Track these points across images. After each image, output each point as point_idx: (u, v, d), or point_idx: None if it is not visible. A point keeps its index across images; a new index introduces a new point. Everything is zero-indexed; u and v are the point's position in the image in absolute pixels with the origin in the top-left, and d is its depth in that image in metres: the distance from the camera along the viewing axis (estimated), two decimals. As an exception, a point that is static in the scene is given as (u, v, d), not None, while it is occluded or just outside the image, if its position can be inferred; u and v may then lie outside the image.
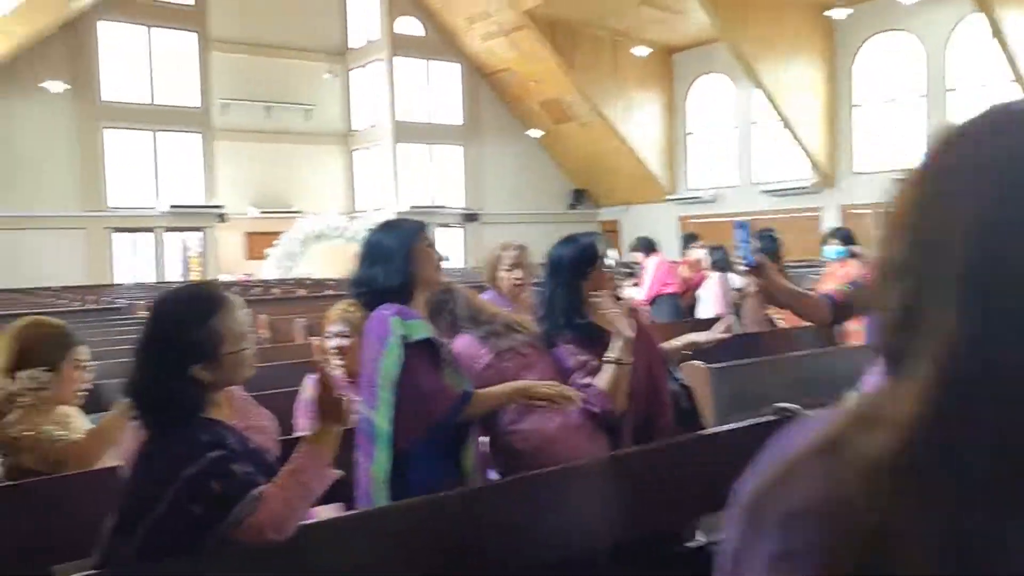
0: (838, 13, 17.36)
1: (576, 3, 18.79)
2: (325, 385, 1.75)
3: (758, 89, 18.38)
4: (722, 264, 6.89)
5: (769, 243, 6.40)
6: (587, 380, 2.51)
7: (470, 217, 24.11)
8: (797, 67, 18.44)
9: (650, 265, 7.86)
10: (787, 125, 18.56)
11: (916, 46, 17.96)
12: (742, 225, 2.75)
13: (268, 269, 20.95)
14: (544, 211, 23.78)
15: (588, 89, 20.79)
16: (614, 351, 2.47)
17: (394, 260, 2.24)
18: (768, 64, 17.81)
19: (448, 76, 23.90)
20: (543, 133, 23.49)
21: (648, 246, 8.02)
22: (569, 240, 2.67)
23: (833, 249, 6.00)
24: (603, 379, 2.49)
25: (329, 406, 1.74)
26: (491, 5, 20.35)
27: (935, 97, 17.78)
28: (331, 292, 12.22)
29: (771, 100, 18.11)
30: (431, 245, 2.33)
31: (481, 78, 23.83)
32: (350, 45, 24.22)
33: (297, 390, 3.21)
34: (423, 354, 2.19)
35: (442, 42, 23.19)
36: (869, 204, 18.70)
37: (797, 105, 18.44)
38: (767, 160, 20.98)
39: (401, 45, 22.95)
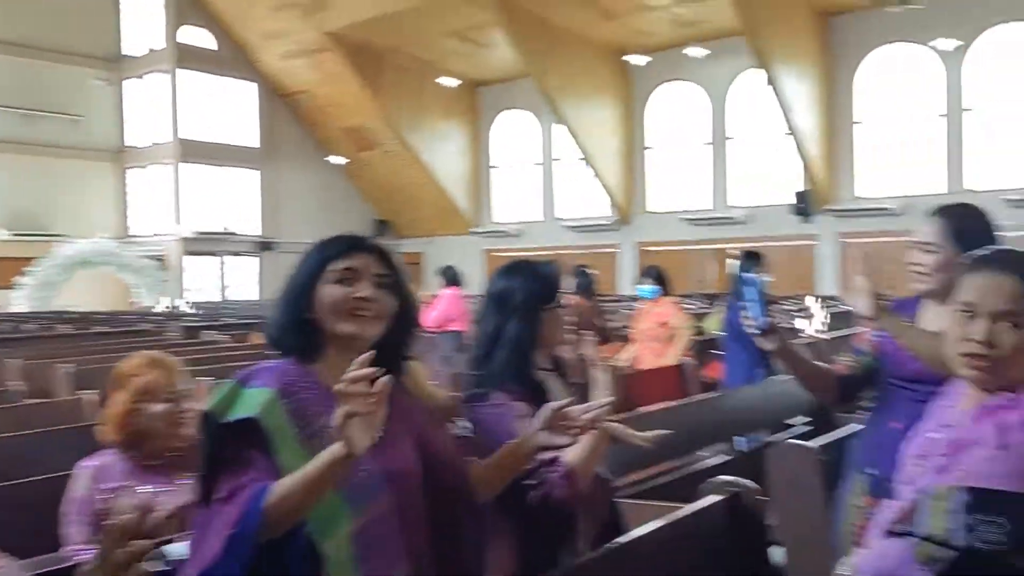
0: (636, 59, 18.12)
1: (382, 29, 18.24)
2: None
3: (561, 126, 18.75)
4: (586, 288, 6.58)
5: (583, 279, 6.39)
6: (548, 454, 1.87)
7: (265, 245, 22.62)
8: (598, 107, 19.02)
9: (444, 296, 7.68)
10: (588, 162, 19.04)
11: (702, 96, 19.11)
12: (752, 282, 2.24)
13: (19, 301, 18.24)
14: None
15: (393, 117, 20.23)
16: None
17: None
18: (571, 102, 18.21)
19: (242, 95, 22.40)
20: (346, 160, 22.58)
21: (452, 278, 7.79)
22: (518, 269, 2.09)
23: (648, 288, 6.00)
24: (578, 453, 1.87)
25: None
26: (292, 24, 19.30)
27: (717, 144, 18.95)
28: (102, 329, 10.66)
29: (573, 137, 18.51)
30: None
31: (279, 99, 22.56)
32: (126, 52, 22.06)
33: (65, 477, 2.32)
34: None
35: (235, 58, 21.71)
36: (661, 242, 19.62)
37: (597, 144, 18.99)
38: (569, 196, 21.42)
39: (188, 57, 21.22)
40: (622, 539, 2.04)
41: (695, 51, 17.15)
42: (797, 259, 17.88)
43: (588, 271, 6.54)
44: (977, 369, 1.45)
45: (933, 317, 2.19)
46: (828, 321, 6.85)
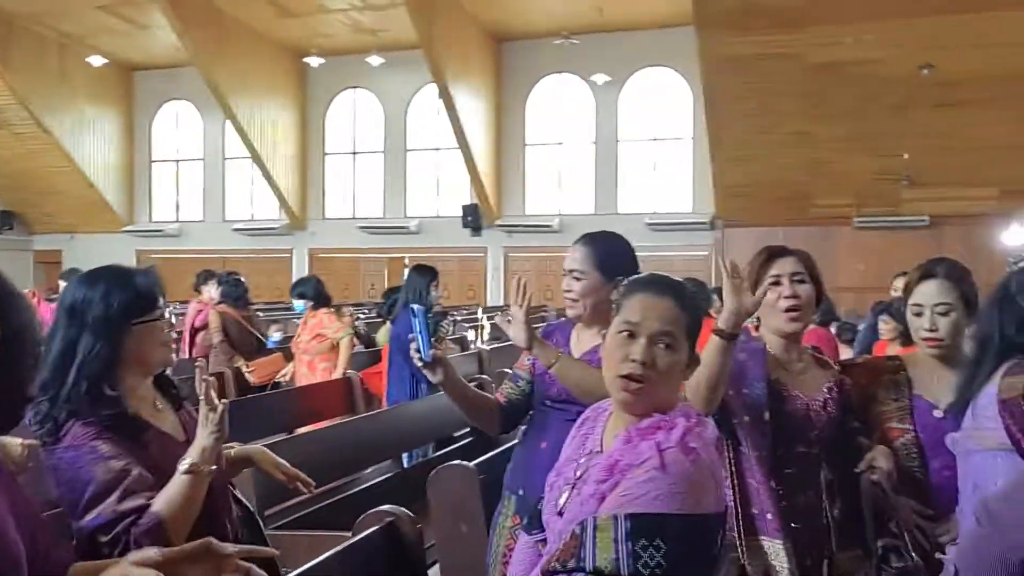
0: (314, 61, 17.64)
1: (16, -9, 15.74)
2: None
3: (230, 123, 17.64)
4: (237, 297, 6.11)
5: (233, 288, 6.20)
6: (132, 504, 1.57)
7: None
8: (273, 107, 18.21)
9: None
10: (260, 164, 18.13)
11: (381, 105, 19.18)
12: (418, 313, 2.13)
13: None
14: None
15: (27, 94, 17.51)
16: (193, 452, 1.66)
17: None
18: (242, 98, 17.21)
19: None
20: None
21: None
22: (100, 276, 1.75)
23: (299, 304, 5.88)
24: (169, 499, 1.61)
25: None
26: None
27: (394, 154, 19.13)
28: None
29: (244, 136, 17.50)
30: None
31: None
32: None
33: None
34: None
35: None
36: (336, 249, 19.32)
37: (271, 145, 18.17)
38: (239, 198, 20.25)
39: None
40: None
41: (375, 59, 17.12)
42: (469, 270, 18.63)
43: (239, 278, 6.23)
44: (629, 392, 1.47)
45: (585, 340, 2.28)
46: (493, 332, 7.08)
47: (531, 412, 2.36)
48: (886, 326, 5.09)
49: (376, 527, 2.14)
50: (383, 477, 3.91)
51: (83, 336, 1.67)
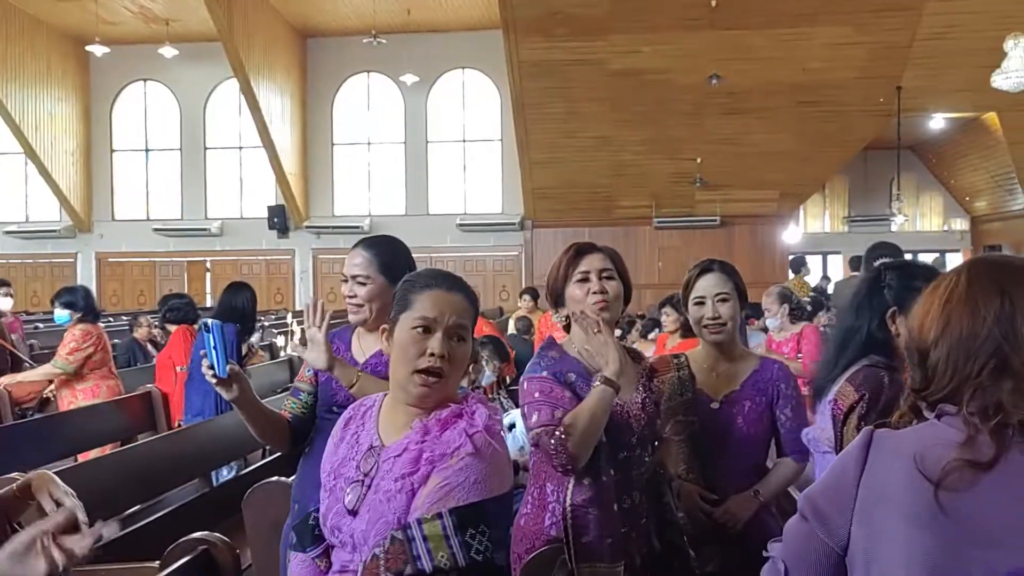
0: (97, 49, 16.25)
1: None
2: None
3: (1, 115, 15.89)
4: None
5: None
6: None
7: None
8: (50, 98, 16.62)
9: None
10: (36, 160, 16.47)
11: (176, 100, 18.01)
12: (213, 328, 2.00)
13: None
14: None
15: None
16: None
17: None
18: (13, 88, 15.57)
19: None
20: None
21: None
22: None
23: (62, 314, 5.29)
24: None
25: None
26: None
27: (191, 153, 18.04)
28: None
29: (16, 129, 15.83)
30: None
31: None
32: None
33: None
34: None
35: None
36: (128, 252, 17.94)
37: (49, 140, 16.57)
38: (11, 196, 18.28)
39: None
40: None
41: (168, 51, 16.02)
42: (276, 274, 17.92)
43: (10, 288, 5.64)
44: (428, 387, 1.51)
45: (368, 344, 2.30)
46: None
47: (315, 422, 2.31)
48: (668, 318, 5.37)
49: (189, 556, 1.95)
50: (189, 499, 3.64)
51: None
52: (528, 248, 16.70)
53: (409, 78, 16.61)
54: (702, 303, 2.41)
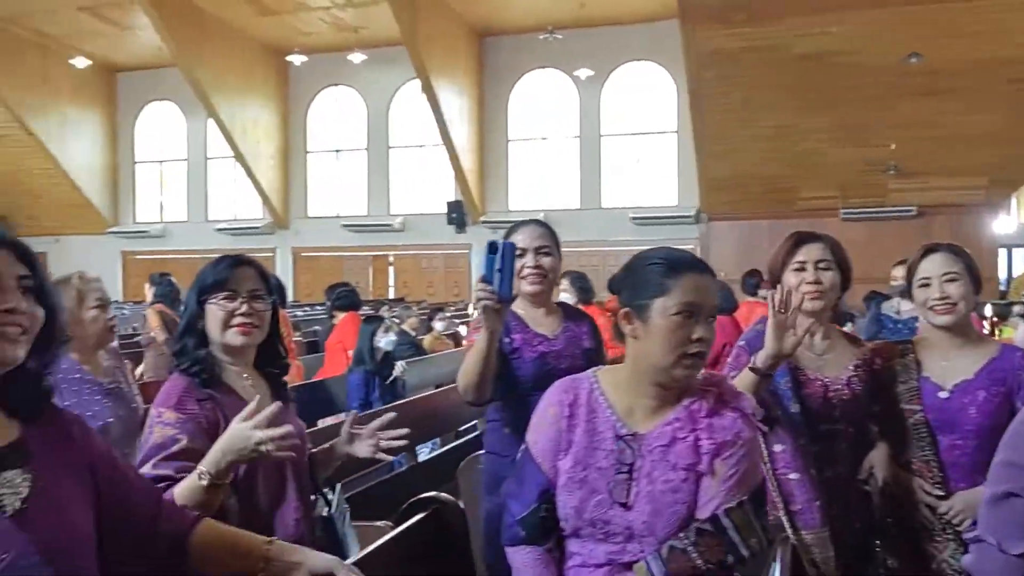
0: (296, 59, 17.55)
1: (-7, -8, 15.53)
2: None
3: (213, 122, 17.51)
4: (171, 297, 6.08)
5: (166, 287, 6.18)
6: (160, 471, 1.71)
7: None
8: (254, 106, 18.11)
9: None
10: (243, 163, 18.02)
11: (363, 102, 19.10)
12: (497, 248, 1.91)
13: None
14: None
15: (9, 96, 17.32)
16: (209, 460, 1.62)
17: None
18: (224, 97, 17.10)
19: None
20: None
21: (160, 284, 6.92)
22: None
23: None
24: (182, 489, 1.67)
25: None
26: None
27: (377, 151, 19.05)
28: None
29: (227, 136, 17.39)
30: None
31: None
32: None
33: None
34: None
35: None
36: (319, 247, 19.25)
37: (253, 144, 18.06)
38: (222, 197, 20.12)
39: None
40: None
41: (357, 56, 17.06)
42: (453, 267, 18.62)
43: (171, 279, 6.29)
44: (695, 370, 1.54)
45: (537, 317, 2.42)
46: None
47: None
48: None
49: (422, 514, 2.16)
50: (399, 470, 3.95)
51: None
52: (704, 241, 16.41)
53: (583, 72, 16.73)
54: (927, 284, 2.27)
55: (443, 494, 2.25)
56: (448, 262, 18.61)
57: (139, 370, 6.01)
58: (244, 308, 1.84)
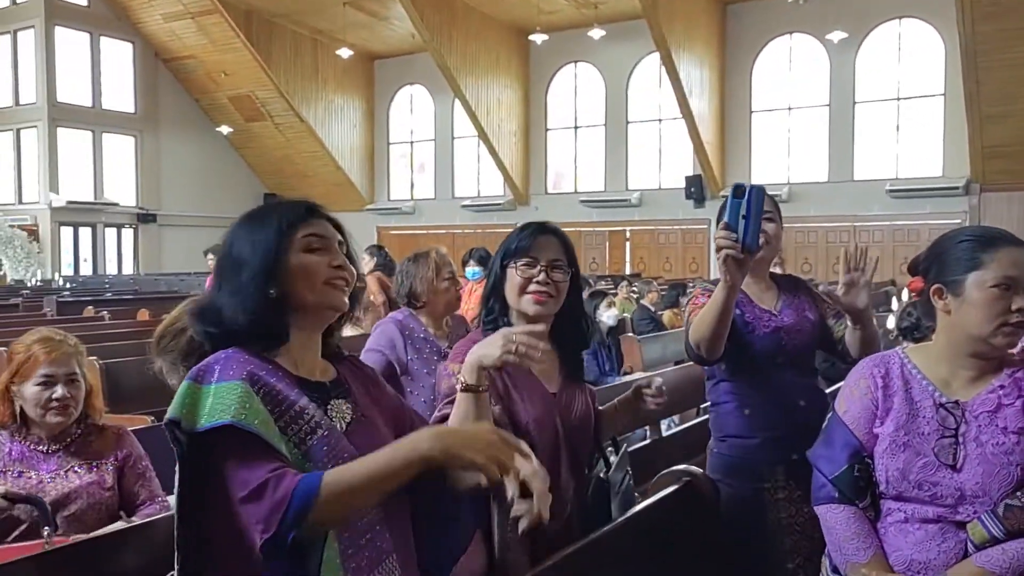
0: (537, 37, 17.98)
1: (274, -7, 17.39)
2: None
3: (459, 103, 18.43)
4: (387, 267, 6.45)
5: (383, 258, 6.42)
6: None
7: (144, 217, 21.35)
8: (497, 86, 18.79)
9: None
10: (486, 142, 18.81)
11: (602, 78, 19.17)
12: (744, 193, 1.81)
13: None
14: (231, 215, 21.21)
15: (285, 87, 19.40)
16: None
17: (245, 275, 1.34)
18: (470, 79, 17.92)
19: (119, 56, 20.92)
20: (231, 130, 21.50)
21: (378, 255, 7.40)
22: None
23: (471, 271, 5.96)
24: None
25: None
26: (175, -18, 18.16)
27: (615, 127, 19.05)
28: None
29: (472, 116, 18.23)
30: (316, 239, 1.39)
31: (162, 63, 21.23)
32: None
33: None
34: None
35: (111, 15, 20.26)
36: (561, 223, 19.60)
37: (496, 123, 18.78)
38: (467, 175, 21.17)
39: (58, 12, 19.65)
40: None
41: (596, 32, 17.15)
42: (691, 243, 18.29)
43: (385, 250, 6.60)
44: (1017, 338, 1.60)
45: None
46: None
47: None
48: None
49: (675, 485, 2.19)
50: (646, 442, 3.99)
51: None
52: (973, 215, 14.81)
53: (837, 35, 15.65)
54: None
55: (694, 467, 2.27)
56: (686, 237, 18.31)
57: (356, 331, 6.55)
58: (542, 276, 1.83)
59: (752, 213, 1.82)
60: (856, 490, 1.68)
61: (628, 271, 17.54)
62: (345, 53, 19.18)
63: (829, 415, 1.80)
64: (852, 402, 1.73)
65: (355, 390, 1.41)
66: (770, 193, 2.15)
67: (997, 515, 1.54)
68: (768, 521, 2.23)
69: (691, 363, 4.46)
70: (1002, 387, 1.62)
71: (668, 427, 4.68)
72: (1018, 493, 1.55)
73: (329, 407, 1.33)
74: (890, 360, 1.73)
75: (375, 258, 6.49)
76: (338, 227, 1.43)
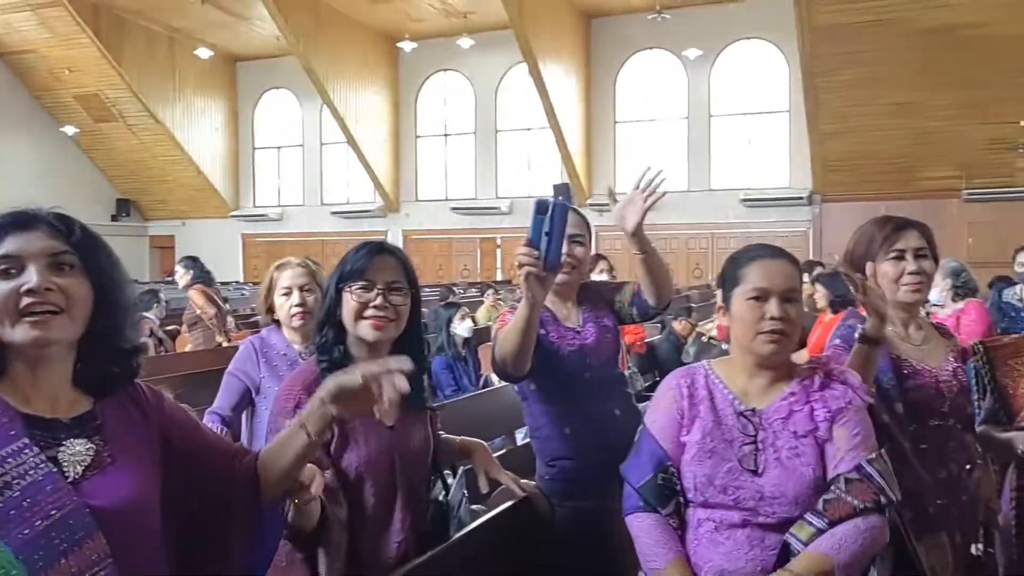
0: (406, 45, 17.91)
1: (126, -11, 16.51)
2: None
3: (327, 109, 18.12)
4: (208, 279, 6.25)
5: (199, 270, 6.31)
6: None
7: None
8: (366, 92, 18.59)
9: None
10: (355, 148, 18.57)
11: (471, 87, 19.31)
12: (546, 208, 1.81)
13: None
14: (79, 219, 20.32)
15: (139, 87, 18.43)
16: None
17: None
18: (338, 84, 17.65)
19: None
20: (78, 130, 20.21)
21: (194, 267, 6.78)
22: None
23: None
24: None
25: None
26: (11, -29, 16.91)
27: (484, 135, 19.24)
28: None
29: (340, 122, 17.96)
30: None
31: (-2, 58, 19.75)
32: None
33: None
34: None
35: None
36: (429, 230, 19.66)
37: (366, 129, 18.57)
38: (335, 181, 20.82)
39: None
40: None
41: (465, 41, 17.27)
42: (559, 250, 18.62)
43: (199, 260, 6.37)
44: (778, 344, 1.71)
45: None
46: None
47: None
48: (818, 293, 4.85)
49: (510, 502, 2.18)
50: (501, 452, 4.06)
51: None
52: (816, 224, 15.87)
53: (693, 52, 16.40)
54: None
55: (531, 482, 2.30)
56: (553, 244, 18.63)
57: (187, 347, 6.35)
58: (379, 300, 1.74)
59: (555, 231, 1.79)
60: (660, 498, 1.72)
61: (500, 277, 17.73)
62: (204, 53, 18.48)
63: (640, 428, 1.84)
64: (659, 413, 1.80)
65: (109, 427, 1.19)
66: (577, 211, 2.31)
67: (818, 511, 1.63)
68: (612, 536, 2.11)
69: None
70: (792, 394, 1.73)
71: (524, 436, 4.77)
72: (832, 487, 1.64)
73: (61, 448, 1.13)
74: (696, 372, 1.82)
75: (190, 271, 6.25)
76: (66, 233, 1.18)
